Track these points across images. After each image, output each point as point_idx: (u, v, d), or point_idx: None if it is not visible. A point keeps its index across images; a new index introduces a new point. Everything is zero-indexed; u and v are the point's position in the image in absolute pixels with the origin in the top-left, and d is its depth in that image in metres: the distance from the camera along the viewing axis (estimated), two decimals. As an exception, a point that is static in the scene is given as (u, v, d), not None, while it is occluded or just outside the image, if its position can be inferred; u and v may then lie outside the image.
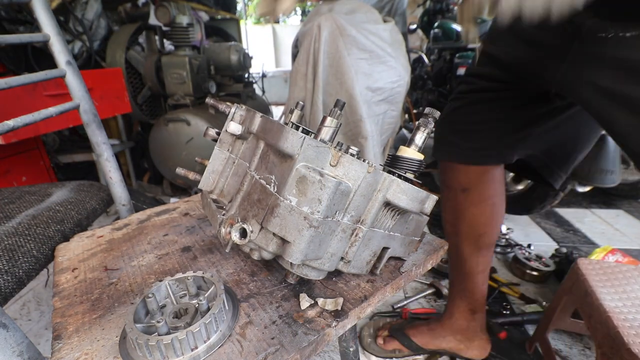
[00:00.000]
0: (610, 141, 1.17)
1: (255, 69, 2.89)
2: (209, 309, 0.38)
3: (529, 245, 1.55)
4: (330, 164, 0.38)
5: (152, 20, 2.05)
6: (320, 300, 0.45)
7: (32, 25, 1.70)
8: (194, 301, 0.42)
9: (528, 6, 0.41)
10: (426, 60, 2.91)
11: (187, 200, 0.78)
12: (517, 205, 1.64)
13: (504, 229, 1.66)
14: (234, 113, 0.52)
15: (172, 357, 0.35)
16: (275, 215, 0.37)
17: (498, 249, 1.59)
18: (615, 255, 1.23)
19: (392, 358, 1.03)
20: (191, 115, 1.93)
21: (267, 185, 0.39)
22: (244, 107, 0.53)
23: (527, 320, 1.16)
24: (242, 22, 4.19)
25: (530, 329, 1.14)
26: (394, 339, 1.03)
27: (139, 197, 1.54)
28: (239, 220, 0.39)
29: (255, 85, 2.79)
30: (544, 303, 1.24)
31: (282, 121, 0.45)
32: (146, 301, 0.39)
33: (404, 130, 2.98)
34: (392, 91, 1.63)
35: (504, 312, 1.21)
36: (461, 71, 2.28)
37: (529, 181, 1.60)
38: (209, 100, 0.56)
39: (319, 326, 0.41)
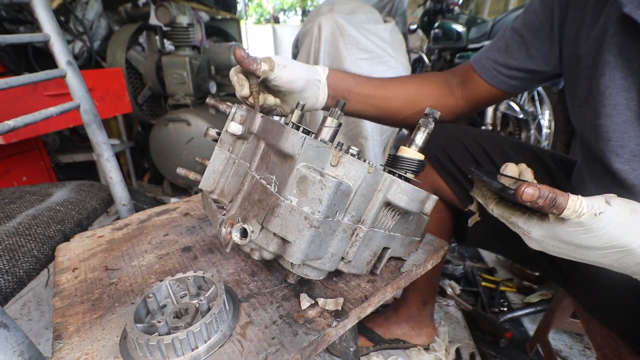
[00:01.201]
0: None
1: (255, 69, 2.88)
2: (209, 309, 0.38)
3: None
4: (330, 164, 0.38)
5: (153, 20, 2.05)
6: (320, 300, 0.45)
7: (33, 25, 1.70)
8: (194, 301, 0.42)
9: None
10: (426, 60, 2.91)
11: (187, 200, 0.78)
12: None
13: None
14: (235, 113, 0.52)
15: (172, 357, 0.35)
16: (275, 215, 0.37)
17: (498, 249, 1.59)
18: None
19: (368, 353, 1.04)
20: (191, 115, 1.93)
21: (268, 186, 0.39)
22: (244, 107, 0.53)
23: (534, 311, 1.19)
24: (242, 22, 4.20)
25: (531, 329, 1.14)
26: (359, 335, 1.05)
27: (139, 197, 1.55)
28: (240, 220, 0.39)
29: (255, 85, 2.78)
30: (543, 291, 1.28)
31: (282, 121, 0.45)
32: (147, 301, 0.39)
33: (404, 130, 2.97)
34: (393, 91, 1.63)
35: (502, 309, 1.21)
36: (461, 71, 2.27)
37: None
38: (209, 101, 0.56)
39: (319, 326, 0.41)
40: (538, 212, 0.38)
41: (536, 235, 0.39)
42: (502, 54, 0.69)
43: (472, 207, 0.56)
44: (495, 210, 0.43)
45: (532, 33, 0.65)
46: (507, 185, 0.43)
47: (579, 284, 0.67)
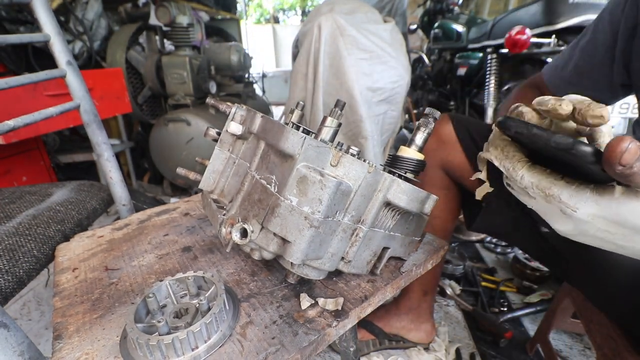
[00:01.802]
0: None
1: (255, 69, 2.90)
2: (209, 308, 0.38)
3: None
4: (330, 164, 0.38)
5: (153, 20, 2.06)
6: (320, 300, 0.45)
7: (33, 25, 1.70)
8: (194, 301, 0.42)
9: None
10: (426, 60, 2.91)
11: (187, 200, 0.78)
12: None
13: None
14: (235, 113, 0.52)
15: (172, 357, 0.35)
16: (275, 215, 0.37)
17: (498, 249, 1.59)
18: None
19: (368, 353, 1.03)
20: (191, 115, 1.93)
21: (268, 185, 0.39)
22: (244, 107, 0.53)
23: (534, 311, 1.19)
24: (242, 22, 4.20)
25: (531, 329, 1.15)
26: (360, 328, 1.04)
27: (139, 197, 1.55)
28: (240, 220, 0.39)
29: (255, 85, 2.79)
30: (543, 291, 1.28)
31: (282, 121, 0.45)
32: (147, 301, 0.39)
33: (404, 130, 2.98)
34: (393, 91, 1.63)
35: (502, 309, 1.21)
36: (461, 71, 2.28)
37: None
38: (209, 101, 0.56)
39: (319, 326, 0.41)
40: (592, 183, 0.30)
41: (584, 213, 0.30)
42: (573, 86, 0.72)
43: (482, 175, 0.44)
44: (527, 177, 0.33)
45: (593, 71, 0.68)
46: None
47: (589, 275, 0.64)
